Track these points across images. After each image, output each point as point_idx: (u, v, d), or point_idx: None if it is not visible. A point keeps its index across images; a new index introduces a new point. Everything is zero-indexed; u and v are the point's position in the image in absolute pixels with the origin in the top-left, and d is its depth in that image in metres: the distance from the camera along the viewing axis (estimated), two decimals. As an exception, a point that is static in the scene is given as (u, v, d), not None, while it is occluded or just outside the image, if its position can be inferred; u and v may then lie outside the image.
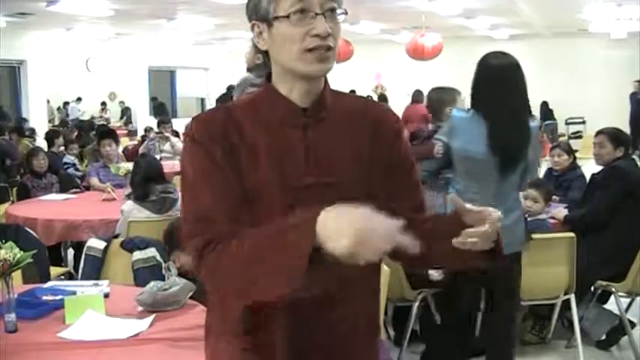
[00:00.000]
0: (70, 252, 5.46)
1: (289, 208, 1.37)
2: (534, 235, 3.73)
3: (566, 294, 3.97)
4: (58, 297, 2.77)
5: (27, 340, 2.41)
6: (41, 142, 9.42)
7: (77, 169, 7.57)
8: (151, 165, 4.57)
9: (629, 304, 4.44)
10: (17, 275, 2.90)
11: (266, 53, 1.47)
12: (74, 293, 2.82)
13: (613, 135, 4.39)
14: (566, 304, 4.02)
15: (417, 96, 12.47)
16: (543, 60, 15.94)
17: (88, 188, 6.17)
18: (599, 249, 4.09)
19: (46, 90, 16.07)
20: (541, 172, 5.54)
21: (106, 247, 3.73)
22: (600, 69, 16.76)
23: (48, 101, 16.67)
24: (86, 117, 17.21)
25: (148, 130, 11.30)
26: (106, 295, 2.84)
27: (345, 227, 1.16)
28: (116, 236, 4.07)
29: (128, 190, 4.66)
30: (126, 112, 18.94)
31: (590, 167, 4.98)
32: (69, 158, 7.85)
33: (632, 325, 4.28)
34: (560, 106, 16.35)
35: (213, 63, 21.12)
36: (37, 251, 2.86)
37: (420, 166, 3.48)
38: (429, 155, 3.34)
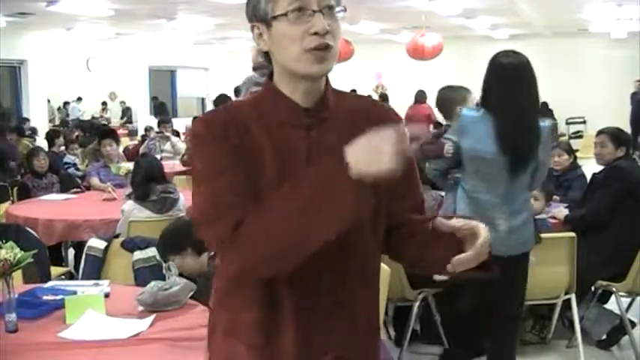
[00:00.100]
0: (71, 252, 5.46)
1: None
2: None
3: (566, 294, 3.97)
4: (59, 297, 2.77)
5: (27, 339, 2.41)
6: (41, 142, 9.42)
7: (78, 169, 7.57)
8: (151, 165, 4.57)
9: (630, 304, 4.44)
10: (18, 275, 2.91)
11: (267, 54, 1.47)
12: (75, 293, 2.83)
13: (614, 135, 4.38)
14: (566, 304, 4.02)
15: (420, 96, 12.50)
16: (543, 60, 15.84)
17: (88, 188, 6.18)
18: (599, 249, 4.09)
19: (46, 90, 16.09)
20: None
21: (107, 247, 3.73)
22: (600, 69, 16.76)
23: (48, 101, 16.68)
24: (87, 117, 17.22)
25: (148, 129, 11.31)
26: (107, 295, 2.84)
27: (377, 153, 1.24)
28: (117, 236, 4.07)
29: (129, 189, 4.66)
30: (126, 112, 18.94)
31: (590, 167, 4.98)
32: (69, 158, 7.85)
33: (633, 324, 4.28)
34: (561, 106, 16.34)
35: (213, 63, 21.13)
36: (37, 251, 2.86)
37: (430, 165, 3.49)
38: (439, 154, 3.33)
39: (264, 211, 1.32)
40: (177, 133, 10.03)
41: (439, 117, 13.08)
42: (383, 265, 1.84)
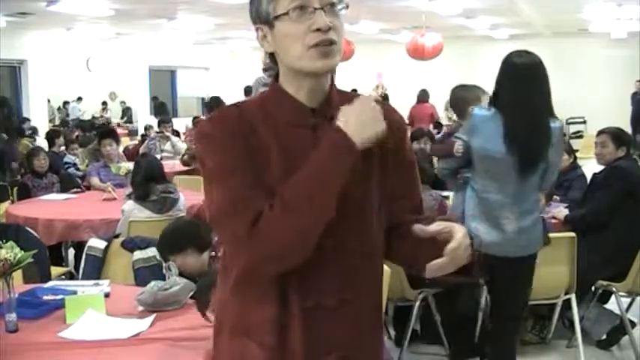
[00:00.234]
0: (71, 252, 5.46)
1: None
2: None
3: (566, 294, 3.97)
4: (59, 297, 2.77)
5: (28, 339, 2.41)
6: (41, 142, 9.41)
7: (78, 169, 7.57)
8: (151, 165, 4.57)
9: (630, 304, 4.44)
10: (18, 275, 2.91)
11: (272, 55, 1.48)
12: (75, 293, 2.83)
13: (615, 135, 4.38)
14: (566, 304, 4.02)
15: (422, 95, 12.50)
16: (543, 60, 15.90)
17: (88, 188, 6.18)
18: (599, 249, 4.09)
19: (46, 90, 16.09)
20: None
21: (107, 247, 3.73)
22: (601, 69, 16.76)
23: (48, 101, 16.68)
24: (87, 117, 17.21)
25: (147, 128, 11.31)
26: (107, 295, 2.85)
27: (369, 119, 1.37)
28: (117, 236, 4.07)
29: (129, 189, 4.66)
30: (127, 112, 18.95)
31: (590, 167, 4.98)
32: (70, 158, 7.85)
33: (633, 324, 4.28)
34: (561, 106, 16.15)
35: (213, 63, 21.14)
36: (37, 251, 2.86)
37: (440, 164, 3.48)
38: (449, 154, 3.33)
39: (281, 203, 1.34)
40: (177, 133, 10.03)
41: (441, 116, 13.23)
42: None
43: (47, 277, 3.70)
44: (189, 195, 4.84)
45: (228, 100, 15.16)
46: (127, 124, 17.48)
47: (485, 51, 18.71)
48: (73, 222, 4.64)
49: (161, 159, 6.42)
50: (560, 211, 4.39)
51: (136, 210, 4.29)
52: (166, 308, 2.66)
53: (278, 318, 1.44)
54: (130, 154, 8.62)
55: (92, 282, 3.16)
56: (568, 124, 16.95)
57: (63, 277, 4.28)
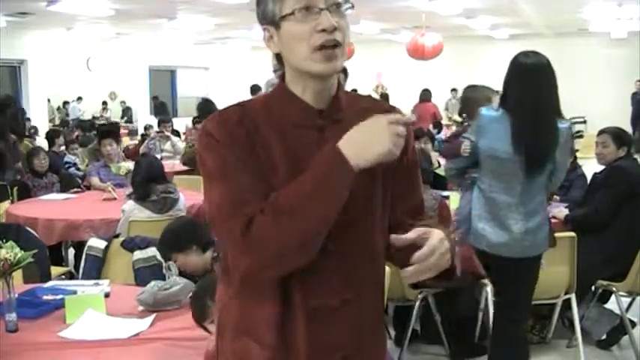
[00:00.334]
0: (71, 251, 5.46)
1: None
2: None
3: (566, 293, 3.97)
4: (59, 296, 2.78)
5: (28, 339, 2.41)
6: (41, 142, 9.41)
7: (78, 169, 7.58)
8: (152, 165, 4.57)
9: (630, 304, 4.44)
10: (18, 275, 2.91)
11: (279, 56, 1.47)
12: (75, 293, 2.83)
13: (616, 134, 4.38)
14: (566, 304, 4.02)
15: (425, 95, 12.55)
16: (544, 60, 15.90)
17: (88, 188, 6.18)
18: (599, 249, 4.09)
19: (46, 90, 16.10)
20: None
21: (107, 247, 3.73)
22: (601, 68, 16.77)
23: (48, 101, 16.68)
24: (87, 116, 17.21)
25: (147, 128, 11.31)
26: (107, 295, 2.85)
27: (373, 137, 1.34)
28: (117, 236, 4.07)
29: (129, 189, 4.66)
30: (127, 112, 18.95)
31: (590, 167, 4.98)
32: (70, 158, 7.85)
33: (633, 324, 4.28)
34: (561, 106, 16.36)
35: (213, 62, 21.14)
36: (37, 251, 2.85)
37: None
38: (456, 153, 3.33)
39: (273, 208, 1.34)
40: (177, 133, 10.03)
41: (443, 116, 13.22)
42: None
43: (47, 277, 3.70)
44: (189, 195, 4.84)
45: (224, 101, 15.21)
46: (127, 124, 17.47)
47: (485, 51, 18.72)
48: (73, 222, 4.64)
49: (161, 159, 6.42)
50: (561, 211, 4.39)
51: (136, 210, 4.28)
52: (166, 308, 2.66)
53: (281, 318, 1.43)
54: (130, 153, 8.62)
55: (92, 282, 3.16)
56: (568, 123, 16.95)
57: (63, 276, 4.27)
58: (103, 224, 4.55)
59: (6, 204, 5.54)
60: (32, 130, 11.27)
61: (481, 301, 3.99)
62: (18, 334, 2.45)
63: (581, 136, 15.26)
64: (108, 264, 3.70)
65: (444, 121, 13.45)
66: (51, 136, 8.52)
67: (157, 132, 9.05)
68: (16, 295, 2.51)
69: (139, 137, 11.56)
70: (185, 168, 7.33)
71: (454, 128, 12.83)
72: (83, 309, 2.60)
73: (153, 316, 2.58)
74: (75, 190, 6.11)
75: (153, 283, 2.74)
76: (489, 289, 3.86)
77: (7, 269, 2.42)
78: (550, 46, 17.28)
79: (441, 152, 5.35)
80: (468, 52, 18.25)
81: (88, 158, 7.63)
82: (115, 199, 5.24)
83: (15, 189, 6.13)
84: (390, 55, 17.86)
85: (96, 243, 3.78)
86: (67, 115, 17.54)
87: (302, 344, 1.44)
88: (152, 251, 3.49)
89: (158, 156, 7.08)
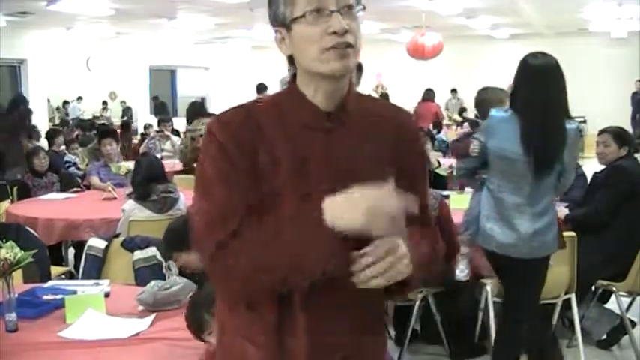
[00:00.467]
0: (71, 251, 5.46)
1: None
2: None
3: (566, 293, 3.97)
4: (59, 296, 2.77)
5: (28, 339, 2.41)
6: (41, 142, 9.41)
7: (78, 168, 7.58)
8: (152, 165, 4.56)
9: (630, 304, 4.44)
10: (18, 274, 2.91)
11: (290, 58, 1.46)
12: (75, 292, 2.83)
13: (617, 134, 4.38)
14: (566, 304, 4.01)
15: (427, 94, 12.59)
16: (544, 59, 15.90)
17: (88, 187, 6.18)
18: (599, 248, 4.09)
19: (46, 89, 16.09)
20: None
21: (107, 247, 3.72)
22: (601, 68, 16.77)
23: (48, 100, 16.67)
24: (87, 116, 17.21)
25: (147, 127, 11.31)
26: (107, 295, 2.85)
27: (356, 206, 1.27)
28: (117, 235, 4.07)
29: (129, 189, 4.65)
30: (127, 112, 18.94)
31: (591, 166, 4.98)
32: (70, 157, 7.85)
33: (633, 324, 4.28)
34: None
35: (213, 62, 21.13)
36: (37, 250, 2.86)
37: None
38: (465, 153, 3.34)
39: (241, 247, 1.36)
40: (177, 133, 10.03)
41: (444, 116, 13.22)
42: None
43: (47, 277, 3.70)
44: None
45: (225, 100, 15.18)
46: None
47: (485, 51, 18.72)
48: (73, 221, 4.64)
49: (161, 158, 6.41)
50: (561, 210, 4.38)
51: (137, 210, 4.28)
52: (166, 308, 2.66)
53: (279, 318, 1.43)
54: (130, 153, 8.62)
55: (92, 281, 3.16)
56: (568, 123, 16.95)
57: (63, 276, 4.27)
58: (103, 224, 4.55)
59: (6, 204, 5.54)
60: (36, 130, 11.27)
61: (481, 301, 3.99)
62: (18, 334, 2.45)
63: (581, 136, 15.30)
64: (108, 264, 3.70)
65: (445, 121, 13.47)
66: (51, 136, 8.52)
67: (157, 132, 9.06)
68: (16, 295, 2.51)
69: (138, 137, 11.58)
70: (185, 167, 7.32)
71: (454, 128, 12.86)
72: (83, 309, 2.60)
73: (153, 315, 2.58)
74: (75, 189, 6.11)
75: (153, 282, 2.74)
76: (489, 288, 3.86)
77: (7, 269, 2.42)
78: (550, 45, 17.25)
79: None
80: (468, 52, 18.24)
81: (88, 158, 7.64)
82: (115, 198, 5.24)
83: (15, 189, 6.13)
84: (390, 55, 17.84)
85: (96, 243, 3.77)
86: (67, 114, 17.53)
87: (301, 345, 1.43)
88: (152, 251, 3.49)
89: (158, 155, 7.08)
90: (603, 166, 4.42)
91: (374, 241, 1.33)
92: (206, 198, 1.43)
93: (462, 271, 3.64)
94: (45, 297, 2.83)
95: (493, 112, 3.26)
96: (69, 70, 17.20)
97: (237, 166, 1.40)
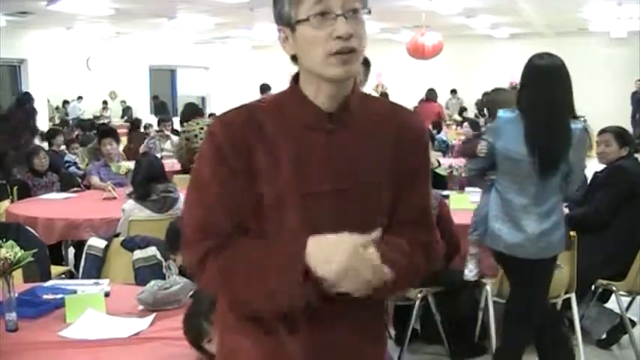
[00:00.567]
0: (71, 251, 5.45)
1: (305, 214, 1.40)
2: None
3: (566, 293, 3.96)
4: (59, 296, 2.77)
5: (28, 339, 2.41)
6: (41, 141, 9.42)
7: (79, 168, 7.58)
8: (152, 164, 4.56)
9: (630, 303, 4.44)
10: (18, 274, 2.90)
11: (294, 57, 1.46)
12: (75, 292, 2.83)
13: (618, 134, 4.38)
14: (566, 303, 4.01)
15: (430, 94, 12.62)
16: (544, 59, 15.90)
17: (88, 187, 6.17)
18: (599, 248, 4.08)
19: (46, 89, 16.09)
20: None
21: (107, 246, 3.72)
22: (601, 68, 16.77)
23: (48, 100, 16.67)
24: (87, 116, 17.22)
25: (147, 126, 11.31)
26: (107, 294, 2.84)
27: (332, 255, 1.28)
28: (117, 235, 4.06)
29: (129, 188, 4.65)
30: (127, 112, 18.94)
31: (591, 166, 4.96)
32: (70, 157, 7.85)
33: (633, 323, 4.28)
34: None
35: (213, 62, 21.14)
36: (37, 250, 2.85)
37: (468, 164, 3.50)
38: (474, 154, 3.35)
39: (227, 264, 1.39)
40: (177, 132, 10.02)
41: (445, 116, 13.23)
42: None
43: (47, 277, 3.69)
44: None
45: (225, 100, 15.15)
46: (127, 123, 17.47)
47: (485, 50, 18.72)
48: (73, 221, 4.64)
49: (161, 158, 6.41)
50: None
51: (137, 209, 4.28)
52: (166, 307, 2.66)
53: (280, 318, 1.43)
54: (130, 153, 8.62)
55: (92, 281, 3.15)
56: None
57: (63, 276, 4.27)
58: (103, 223, 4.55)
59: (6, 203, 5.54)
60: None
61: (481, 301, 3.99)
62: (18, 334, 2.45)
63: (588, 134, 15.29)
64: (108, 263, 3.70)
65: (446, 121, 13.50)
66: (51, 136, 8.52)
67: (157, 131, 9.06)
68: (16, 295, 2.51)
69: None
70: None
71: (454, 128, 12.87)
72: (83, 308, 2.60)
73: (153, 315, 2.58)
74: (75, 189, 6.11)
75: (153, 282, 2.74)
76: (489, 288, 3.86)
77: (7, 268, 2.42)
78: (550, 45, 17.24)
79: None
80: (468, 52, 18.25)
81: (88, 157, 7.64)
82: (115, 198, 5.24)
83: (15, 188, 6.13)
84: (390, 55, 17.84)
85: (96, 242, 3.77)
86: (67, 114, 17.53)
87: (300, 344, 1.43)
88: (152, 250, 3.49)
89: (158, 155, 7.08)
90: (604, 166, 4.42)
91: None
92: (197, 199, 1.45)
93: (470, 271, 3.64)
94: (45, 296, 2.82)
95: (500, 112, 3.27)
96: (69, 69, 17.20)
97: (232, 167, 1.41)
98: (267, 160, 1.41)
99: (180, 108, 20.41)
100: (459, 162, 6.84)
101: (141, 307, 2.67)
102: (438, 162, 6.31)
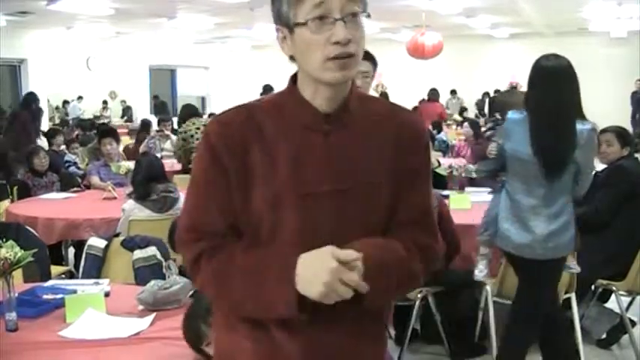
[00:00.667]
0: (71, 251, 5.45)
1: (304, 215, 1.40)
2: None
3: (566, 293, 3.96)
4: (59, 296, 2.77)
5: (28, 338, 2.40)
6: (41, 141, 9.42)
7: (79, 168, 7.58)
8: (152, 164, 4.56)
9: (630, 303, 4.44)
10: (18, 274, 2.90)
11: (292, 57, 1.45)
12: (75, 292, 2.83)
13: (620, 133, 4.38)
14: (566, 303, 4.01)
15: (432, 94, 12.63)
16: (544, 59, 15.90)
17: (88, 187, 6.17)
18: (600, 248, 4.08)
19: (46, 89, 16.09)
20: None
21: (107, 246, 3.72)
22: (601, 68, 16.76)
23: (48, 100, 16.67)
24: (87, 116, 17.22)
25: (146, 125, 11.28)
26: (107, 294, 2.84)
27: (315, 278, 1.30)
28: (117, 235, 4.06)
29: (129, 188, 4.65)
30: (127, 111, 18.94)
31: (592, 166, 4.97)
32: (70, 157, 7.86)
33: (633, 323, 4.28)
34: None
35: (213, 62, 21.14)
36: (37, 250, 2.85)
37: (479, 166, 3.51)
38: (485, 155, 3.36)
39: (216, 272, 1.41)
40: (176, 132, 10.02)
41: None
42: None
43: (47, 276, 3.69)
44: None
45: (225, 100, 15.14)
46: (127, 123, 17.47)
47: (485, 50, 18.71)
48: (73, 221, 4.64)
49: (161, 158, 6.41)
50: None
51: (137, 209, 4.28)
52: (166, 307, 2.66)
53: (278, 323, 1.43)
54: (130, 153, 8.62)
55: (92, 281, 3.15)
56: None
57: (63, 276, 4.27)
58: (103, 223, 4.55)
59: (6, 203, 5.54)
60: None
61: (481, 301, 3.99)
62: (18, 334, 2.45)
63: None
64: (108, 263, 3.70)
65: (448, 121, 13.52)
66: (51, 135, 8.53)
67: (157, 131, 9.06)
68: (16, 295, 2.51)
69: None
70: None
71: (454, 128, 12.87)
72: (83, 308, 2.60)
73: (153, 315, 2.58)
74: (75, 189, 6.11)
75: (153, 282, 2.74)
76: (489, 288, 3.86)
77: (7, 268, 2.42)
78: (550, 45, 17.24)
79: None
80: (468, 51, 18.25)
81: (88, 157, 7.64)
82: (115, 198, 5.24)
83: (15, 188, 6.13)
84: (390, 55, 17.83)
85: (96, 242, 3.77)
86: (67, 114, 17.53)
87: (298, 343, 1.43)
88: (152, 250, 3.49)
89: (158, 155, 7.08)
90: (604, 165, 4.42)
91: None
92: (192, 199, 1.47)
93: (480, 272, 3.64)
94: (45, 296, 2.82)
95: (509, 114, 3.28)
96: (69, 69, 17.20)
97: (225, 167, 1.41)
98: (263, 160, 1.41)
99: (180, 108, 20.51)
100: (459, 162, 6.85)
101: (141, 307, 2.67)
102: (438, 162, 6.31)
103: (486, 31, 16.73)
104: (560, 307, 3.59)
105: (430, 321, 4.11)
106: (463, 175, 6.33)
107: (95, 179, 5.96)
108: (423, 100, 13.63)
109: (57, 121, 16.89)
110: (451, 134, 11.47)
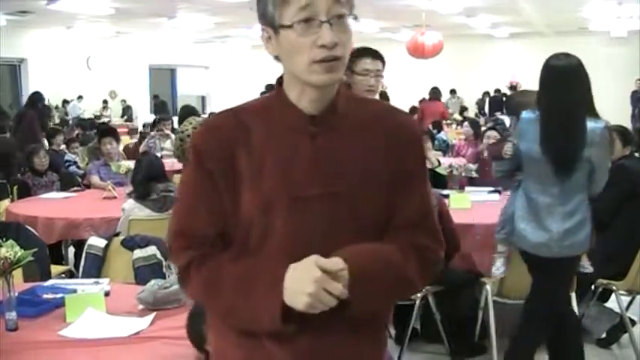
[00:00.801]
0: (71, 250, 5.45)
1: (294, 218, 1.38)
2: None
3: (567, 292, 3.97)
4: (59, 295, 2.77)
5: (28, 338, 2.40)
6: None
7: (79, 167, 7.58)
8: (152, 164, 4.56)
9: (630, 303, 4.44)
10: (18, 273, 2.90)
11: (277, 57, 1.43)
12: (75, 291, 2.83)
13: (622, 133, 4.39)
14: (566, 303, 4.01)
15: (434, 93, 12.64)
16: (544, 58, 15.79)
17: (88, 186, 6.17)
18: (600, 247, 4.07)
19: (46, 88, 16.08)
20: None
21: (107, 246, 3.72)
22: (601, 67, 16.69)
23: (48, 100, 16.66)
24: (87, 115, 17.22)
25: (146, 125, 11.31)
26: (107, 294, 2.84)
27: (300, 289, 1.30)
28: (117, 234, 4.06)
29: (129, 188, 4.65)
30: (127, 111, 18.95)
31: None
32: (70, 156, 7.86)
33: (633, 323, 4.27)
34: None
35: (213, 61, 21.14)
36: (37, 249, 2.85)
37: (495, 166, 3.52)
38: (500, 155, 3.37)
39: (206, 279, 1.41)
40: (175, 132, 10.02)
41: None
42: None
43: (47, 276, 3.69)
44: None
45: (224, 99, 15.16)
46: (127, 123, 17.48)
47: (485, 49, 18.72)
48: (73, 220, 4.64)
49: (161, 157, 6.41)
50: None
51: (137, 208, 4.28)
52: (166, 307, 2.66)
53: (268, 333, 1.41)
54: (130, 152, 8.62)
55: (92, 280, 3.15)
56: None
57: (63, 275, 4.26)
58: (103, 223, 4.55)
59: (6, 202, 5.54)
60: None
61: (481, 301, 3.99)
62: (18, 333, 2.45)
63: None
64: (108, 263, 3.70)
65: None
66: (51, 135, 8.53)
67: (157, 130, 9.06)
68: (16, 294, 2.51)
69: (138, 136, 11.58)
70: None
71: (454, 127, 12.87)
72: (83, 308, 2.60)
73: (153, 314, 2.58)
74: (75, 188, 6.11)
75: (153, 281, 2.74)
76: (489, 288, 3.86)
77: (7, 268, 2.42)
78: (550, 44, 17.23)
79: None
80: (468, 51, 18.25)
81: (89, 157, 7.64)
82: (115, 197, 5.24)
83: (15, 187, 6.13)
84: (390, 54, 17.81)
85: (96, 242, 3.77)
86: (67, 114, 17.53)
87: (290, 351, 1.41)
88: (152, 250, 3.49)
89: (158, 154, 7.08)
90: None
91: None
92: (180, 208, 1.49)
93: (498, 269, 3.65)
94: (45, 296, 2.82)
95: (523, 114, 3.29)
96: (69, 69, 17.21)
97: (213, 179, 1.41)
98: (251, 163, 1.40)
99: (180, 107, 20.49)
100: (459, 161, 6.86)
101: (141, 307, 2.67)
102: (438, 161, 6.30)
103: (486, 30, 16.74)
104: (571, 309, 3.59)
105: (430, 320, 4.11)
106: (463, 174, 6.33)
107: (95, 179, 5.95)
108: (424, 99, 13.64)
109: (57, 120, 16.87)
110: (451, 134, 11.47)
